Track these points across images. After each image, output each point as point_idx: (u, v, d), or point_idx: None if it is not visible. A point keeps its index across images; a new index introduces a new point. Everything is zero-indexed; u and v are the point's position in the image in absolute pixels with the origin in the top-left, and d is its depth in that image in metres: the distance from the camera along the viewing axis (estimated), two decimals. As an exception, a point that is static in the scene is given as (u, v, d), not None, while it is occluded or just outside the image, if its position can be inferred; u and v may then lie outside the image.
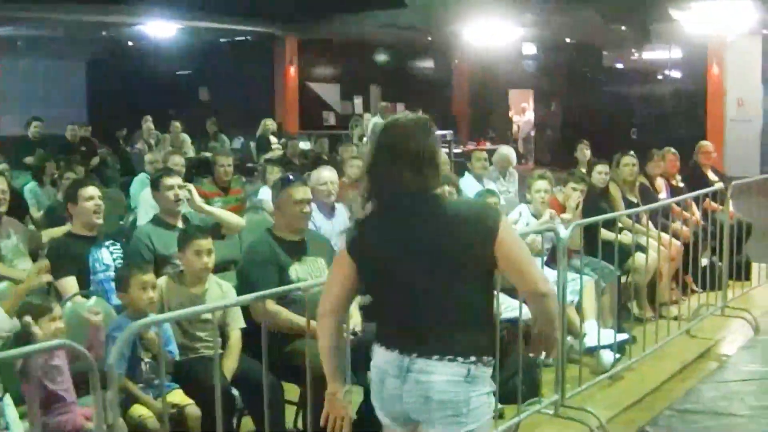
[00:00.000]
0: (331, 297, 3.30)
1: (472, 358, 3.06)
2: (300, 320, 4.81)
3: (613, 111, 22.95)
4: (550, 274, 5.56)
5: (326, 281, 3.47)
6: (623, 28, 19.40)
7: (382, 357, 3.18)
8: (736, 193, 8.58)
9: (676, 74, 24.38)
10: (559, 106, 25.51)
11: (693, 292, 8.18)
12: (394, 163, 3.09)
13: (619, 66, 25.73)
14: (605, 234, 6.74)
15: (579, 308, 6.49)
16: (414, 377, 3.07)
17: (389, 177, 3.10)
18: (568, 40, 23.25)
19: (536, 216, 7.07)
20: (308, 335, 4.32)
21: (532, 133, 26.27)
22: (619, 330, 6.49)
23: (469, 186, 8.66)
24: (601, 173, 8.08)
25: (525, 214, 7.21)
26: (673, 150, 9.38)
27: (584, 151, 10.70)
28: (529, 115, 26.58)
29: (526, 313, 4.43)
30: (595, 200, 7.66)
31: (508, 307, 5.58)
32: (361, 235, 3.20)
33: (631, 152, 8.54)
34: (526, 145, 25.84)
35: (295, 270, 5.17)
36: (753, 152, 20.17)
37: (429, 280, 3.08)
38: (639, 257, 7.07)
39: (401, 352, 3.11)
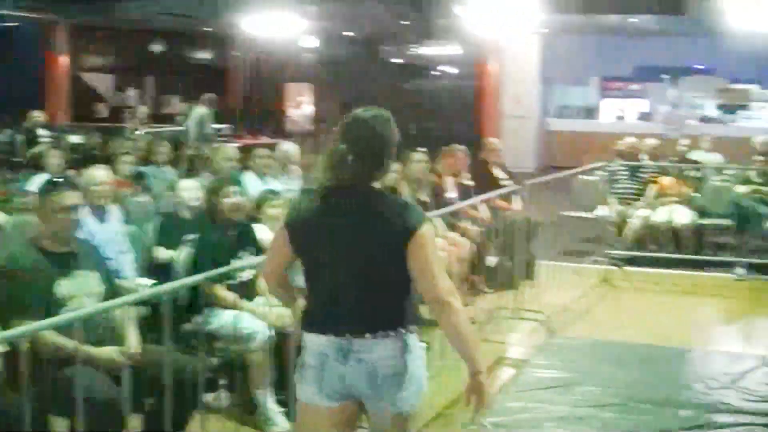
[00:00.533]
0: (272, 264, 3.53)
1: (403, 330, 3.25)
2: (68, 343, 4.12)
3: (393, 106, 22.76)
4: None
5: (268, 250, 3.71)
6: (406, 22, 19.31)
7: (317, 342, 3.30)
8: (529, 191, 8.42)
9: (455, 70, 24.69)
10: (338, 100, 25.19)
11: (482, 293, 7.97)
12: (353, 154, 3.24)
13: (401, 61, 25.77)
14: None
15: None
16: (355, 357, 3.22)
17: (341, 165, 3.24)
18: (351, 33, 23.03)
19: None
20: (79, 361, 3.86)
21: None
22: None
23: (251, 184, 7.78)
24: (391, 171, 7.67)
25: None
26: (461, 147, 9.10)
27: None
28: (307, 110, 26.08)
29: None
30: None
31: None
32: (300, 214, 3.36)
33: (422, 149, 8.17)
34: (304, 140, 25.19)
35: (63, 286, 4.45)
36: (529, 148, 20.72)
37: (354, 264, 3.25)
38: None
39: (336, 334, 3.25)
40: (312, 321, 3.34)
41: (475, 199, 8.01)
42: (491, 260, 8.18)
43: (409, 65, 25.86)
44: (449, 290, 3.23)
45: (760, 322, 8.20)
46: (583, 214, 10.29)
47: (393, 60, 25.73)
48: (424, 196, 7.90)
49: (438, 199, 8.12)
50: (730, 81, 22.05)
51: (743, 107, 21.58)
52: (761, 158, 9.97)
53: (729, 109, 21.64)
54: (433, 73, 26.20)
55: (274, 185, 7.82)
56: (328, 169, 3.28)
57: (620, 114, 22.27)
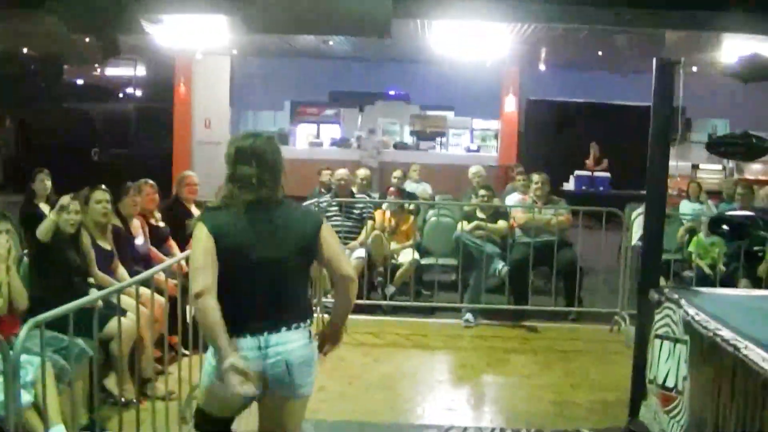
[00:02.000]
0: (207, 274, 3.54)
1: (308, 322, 3.77)
2: None
3: (76, 130, 20.63)
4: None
5: (193, 258, 3.61)
6: (88, 39, 17.30)
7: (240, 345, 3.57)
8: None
9: (145, 91, 22.99)
10: (14, 123, 22.51)
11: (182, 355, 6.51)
12: (267, 174, 3.72)
13: (83, 81, 23.63)
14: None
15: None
16: (273, 351, 3.62)
17: (250, 182, 3.68)
18: (26, 50, 20.61)
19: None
20: None
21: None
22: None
23: None
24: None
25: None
26: (151, 182, 7.59)
27: (45, 182, 8.46)
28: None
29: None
30: (61, 248, 5.68)
31: None
32: (223, 226, 3.63)
33: (103, 186, 6.51)
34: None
35: None
36: (221, 177, 19.26)
37: (276, 264, 3.66)
38: (112, 323, 5.27)
39: (252, 334, 3.60)
40: (232, 325, 3.53)
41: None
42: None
43: (94, 86, 23.77)
44: (351, 266, 4.01)
45: (478, 383, 7.18)
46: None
47: (77, 80, 23.50)
48: (107, 244, 6.35)
49: (123, 247, 6.61)
50: (424, 107, 22.03)
51: (438, 134, 21.58)
52: (483, 192, 9.21)
53: (423, 135, 21.57)
54: (119, 94, 24.26)
55: None
56: (244, 188, 3.67)
57: (315, 140, 21.55)
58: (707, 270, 9.15)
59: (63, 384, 4.87)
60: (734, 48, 13.34)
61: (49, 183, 8.45)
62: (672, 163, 17.49)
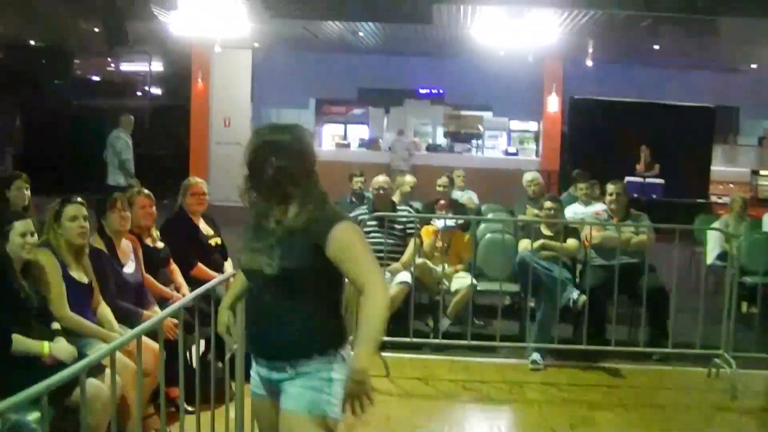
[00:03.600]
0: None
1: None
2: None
3: (86, 127, 19.16)
4: None
5: (370, 257, 3.26)
6: (97, 29, 15.93)
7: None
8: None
9: (160, 87, 21.76)
10: (21, 121, 21.19)
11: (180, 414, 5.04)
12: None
13: (96, 77, 22.39)
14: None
15: None
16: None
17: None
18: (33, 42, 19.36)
19: None
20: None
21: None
22: None
23: None
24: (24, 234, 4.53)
25: None
26: (145, 191, 5.98)
27: (23, 191, 7.01)
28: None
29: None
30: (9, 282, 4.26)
31: None
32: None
33: (78, 198, 4.96)
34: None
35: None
36: (239, 179, 17.87)
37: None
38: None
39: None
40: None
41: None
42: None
43: (107, 81, 22.50)
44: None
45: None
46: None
47: (88, 75, 22.23)
48: (84, 275, 4.86)
49: (105, 277, 5.14)
50: (459, 107, 20.56)
51: (474, 136, 20.12)
52: (549, 204, 7.66)
53: (458, 137, 20.13)
54: (134, 90, 23.00)
55: None
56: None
57: (342, 141, 20.14)
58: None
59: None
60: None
61: (28, 192, 7.01)
62: (722, 168, 15.96)
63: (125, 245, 5.48)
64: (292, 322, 3.18)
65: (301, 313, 3.18)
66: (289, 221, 3.18)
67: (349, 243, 3.14)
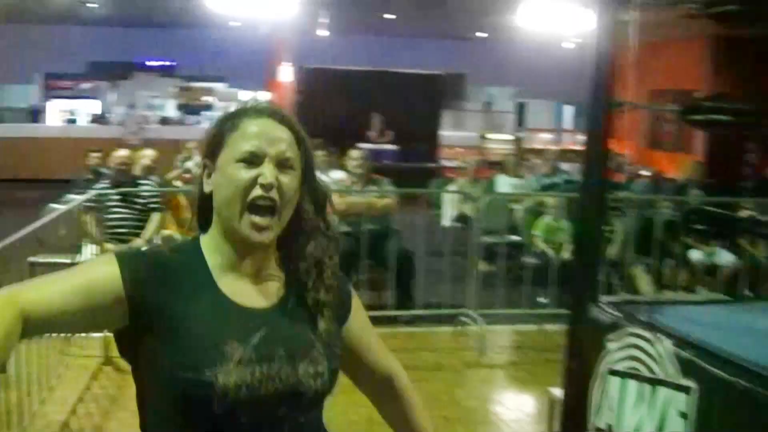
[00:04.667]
0: None
1: None
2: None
3: None
4: None
5: None
6: None
7: None
8: None
9: None
10: None
11: None
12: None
13: None
14: None
15: None
16: None
17: None
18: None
19: None
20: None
21: None
22: None
23: None
24: None
25: None
26: None
27: None
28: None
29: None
30: None
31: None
32: None
33: None
34: None
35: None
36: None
37: None
38: None
39: None
40: None
41: None
42: None
43: None
44: None
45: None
46: (63, 260, 6.25)
47: None
48: None
49: None
50: (191, 79, 20.09)
51: (207, 107, 19.70)
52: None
53: (191, 109, 19.64)
54: None
55: None
56: None
57: (71, 117, 19.09)
58: (550, 253, 8.10)
59: None
60: (530, 11, 12.47)
61: None
62: (452, 132, 16.45)
63: None
64: None
65: None
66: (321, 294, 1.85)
67: (365, 312, 2.04)
